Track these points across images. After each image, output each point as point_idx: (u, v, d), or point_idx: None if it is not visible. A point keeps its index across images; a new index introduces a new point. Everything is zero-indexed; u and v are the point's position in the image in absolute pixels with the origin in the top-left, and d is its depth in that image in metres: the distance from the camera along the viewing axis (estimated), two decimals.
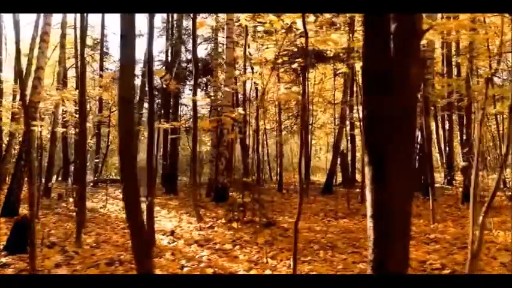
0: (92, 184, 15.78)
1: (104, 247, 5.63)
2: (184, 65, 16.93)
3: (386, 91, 2.90)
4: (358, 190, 13.80)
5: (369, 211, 2.94)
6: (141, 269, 2.80)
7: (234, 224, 7.27)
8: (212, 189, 11.16)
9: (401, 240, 3.09)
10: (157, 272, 4.42)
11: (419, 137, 11.74)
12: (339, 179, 15.69)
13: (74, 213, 7.29)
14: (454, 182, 15.60)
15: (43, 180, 11.13)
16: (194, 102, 9.12)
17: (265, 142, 19.61)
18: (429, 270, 4.76)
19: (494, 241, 5.99)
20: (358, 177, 18.28)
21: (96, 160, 16.61)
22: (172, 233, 6.68)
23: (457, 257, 5.32)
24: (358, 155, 24.69)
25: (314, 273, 4.57)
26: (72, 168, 15.32)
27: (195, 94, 9.23)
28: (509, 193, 10.41)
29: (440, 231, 6.67)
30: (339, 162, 14.62)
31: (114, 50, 36.03)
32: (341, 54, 12.89)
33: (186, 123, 16.43)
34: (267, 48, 8.44)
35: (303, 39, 9.20)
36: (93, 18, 22.30)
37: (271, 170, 18.92)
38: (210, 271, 4.56)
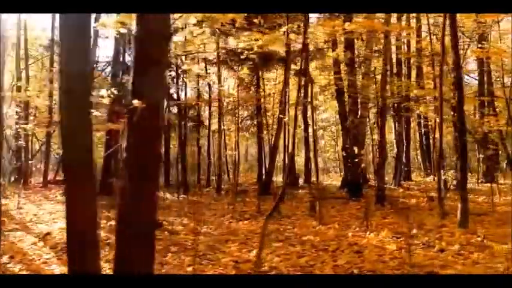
0: (41, 185, 15.76)
1: None
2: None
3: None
4: (301, 191, 13.78)
5: None
6: None
7: None
8: None
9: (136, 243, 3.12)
10: None
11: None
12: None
13: None
14: (403, 182, 15.51)
15: None
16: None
17: (223, 143, 19.48)
18: (257, 272, 4.70)
19: (358, 243, 5.93)
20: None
21: (30, 161, 16.57)
22: (45, 235, 6.61)
23: (306, 259, 5.27)
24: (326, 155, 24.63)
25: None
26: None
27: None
28: (431, 194, 10.33)
29: (316, 233, 6.60)
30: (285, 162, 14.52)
31: None
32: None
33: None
34: None
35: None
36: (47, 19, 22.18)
37: (228, 171, 18.86)
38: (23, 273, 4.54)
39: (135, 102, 2.64)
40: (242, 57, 7.61)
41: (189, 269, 4.74)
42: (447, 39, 15.15)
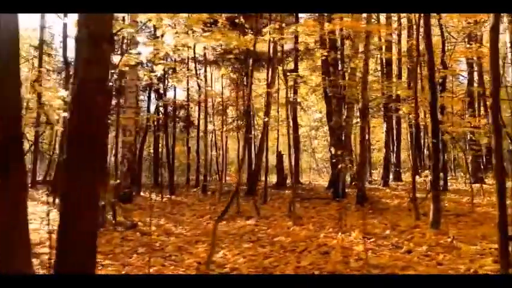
0: (29, 185, 15.75)
1: None
2: None
3: None
4: (287, 191, 13.71)
5: None
6: None
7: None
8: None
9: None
10: None
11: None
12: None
13: None
14: (392, 182, 15.48)
15: None
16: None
17: (213, 143, 19.47)
18: (215, 272, 4.69)
19: (327, 243, 5.90)
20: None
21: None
22: None
23: (271, 260, 5.24)
24: (318, 155, 24.59)
25: None
26: None
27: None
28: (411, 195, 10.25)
29: (289, 234, 6.57)
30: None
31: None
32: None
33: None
34: None
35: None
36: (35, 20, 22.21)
37: (219, 172, 18.82)
38: None
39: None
40: (209, 57, 7.54)
41: (147, 270, 4.71)
42: (434, 38, 15.13)
